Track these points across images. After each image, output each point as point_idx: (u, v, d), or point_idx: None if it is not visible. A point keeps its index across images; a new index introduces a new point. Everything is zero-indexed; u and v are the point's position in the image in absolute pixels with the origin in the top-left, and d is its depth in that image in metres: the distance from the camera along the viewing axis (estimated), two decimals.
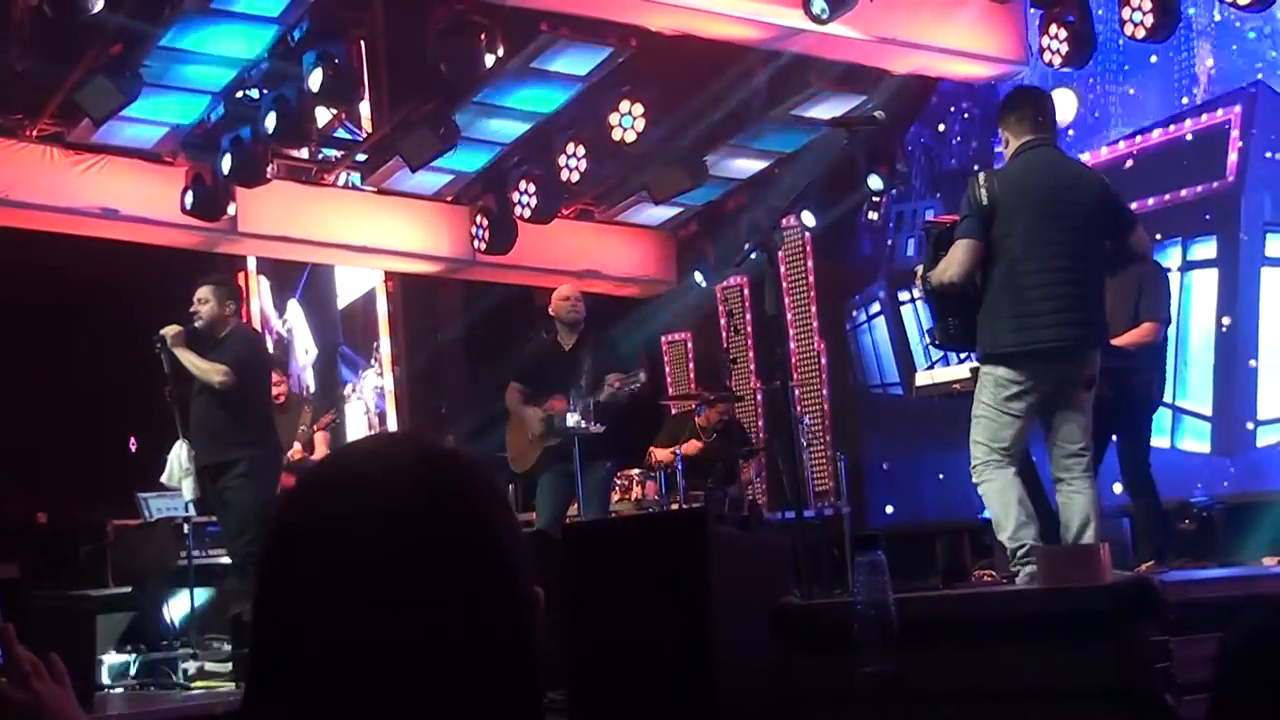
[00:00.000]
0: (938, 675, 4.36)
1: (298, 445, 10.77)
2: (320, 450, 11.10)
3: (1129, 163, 11.19)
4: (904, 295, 12.68)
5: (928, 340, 7.28)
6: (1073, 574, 4.85)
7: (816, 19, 9.69)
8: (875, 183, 11.96)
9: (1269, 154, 10.35)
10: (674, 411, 12.27)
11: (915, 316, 12.49)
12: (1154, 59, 11.05)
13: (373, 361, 14.92)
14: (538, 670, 1.41)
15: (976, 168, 12.12)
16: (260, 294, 15.61)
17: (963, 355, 7.59)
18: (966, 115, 12.57)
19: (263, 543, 1.43)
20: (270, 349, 14.58)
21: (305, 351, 15.22)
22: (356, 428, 14.41)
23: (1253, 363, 10.30)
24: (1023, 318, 6.28)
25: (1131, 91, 11.30)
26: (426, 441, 1.46)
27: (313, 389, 15.00)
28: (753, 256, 7.73)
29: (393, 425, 14.33)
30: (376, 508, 1.37)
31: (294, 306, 15.50)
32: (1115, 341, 8.05)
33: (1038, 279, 6.29)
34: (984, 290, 6.38)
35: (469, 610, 1.36)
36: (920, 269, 6.87)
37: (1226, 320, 10.48)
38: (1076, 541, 6.16)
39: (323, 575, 1.35)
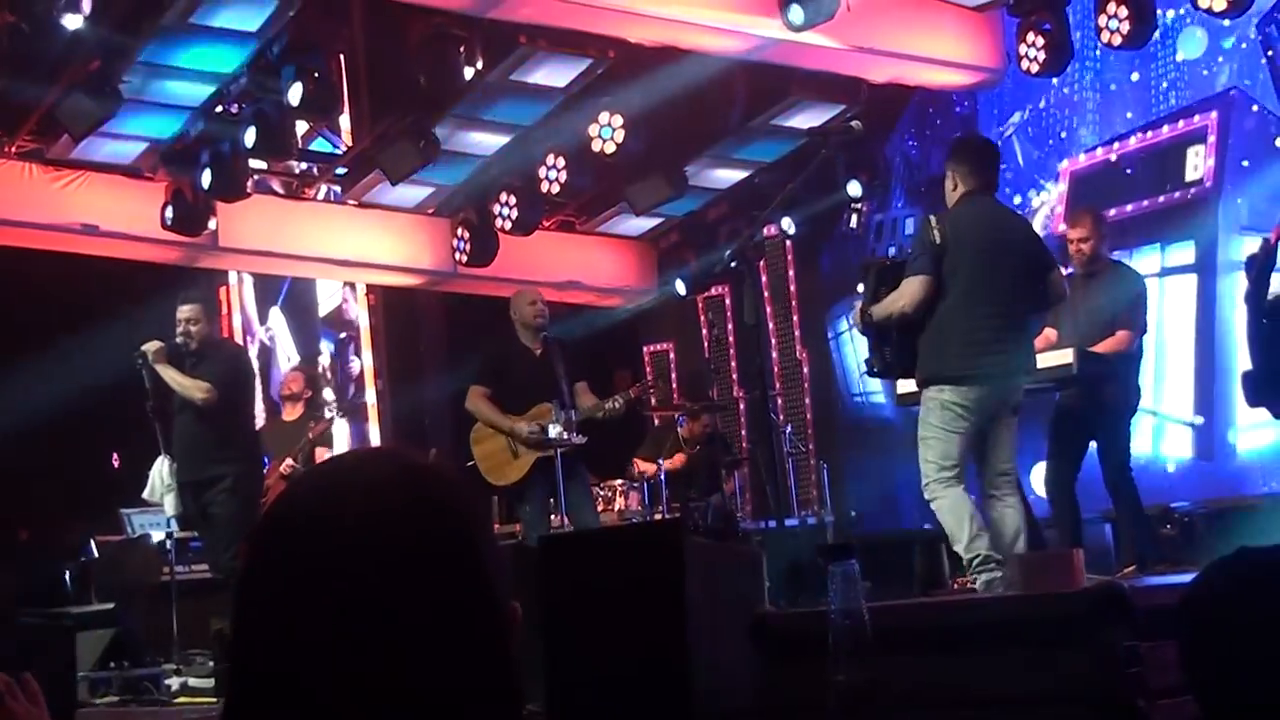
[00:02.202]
0: (913, 683, 4.37)
1: (290, 461, 10.69)
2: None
3: (1106, 168, 11.23)
4: None
5: (864, 370, 7.72)
6: (1046, 580, 4.87)
7: (793, 27, 9.69)
8: (855, 189, 11.99)
9: (1245, 160, 10.39)
10: (657, 423, 12.27)
11: None
12: (1134, 69, 11.08)
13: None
14: (517, 683, 1.42)
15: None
16: (244, 299, 15.59)
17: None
18: (941, 123, 12.61)
19: (243, 555, 1.44)
20: (254, 356, 14.60)
21: (287, 359, 15.21)
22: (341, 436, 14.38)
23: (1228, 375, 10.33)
24: (969, 346, 6.77)
25: (1109, 95, 11.33)
26: (408, 456, 1.47)
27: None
28: (733, 265, 7.84)
29: (375, 438, 14.31)
30: (356, 521, 1.38)
31: (276, 314, 15.49)
32: (1093, 350, 8.11)
33: (983, 312, 6.81)
34: (930, 321, 6.86)
35: (448, 623, 1.36)
36: (860, 305, 7.31)
37: (1207, 333, 10.52)
38: (1009, 553, 6.58)
39: (301, 588, 1.36)
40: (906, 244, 11.81)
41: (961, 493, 6.72)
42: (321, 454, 11.13)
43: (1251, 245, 10.21)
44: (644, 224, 13.73)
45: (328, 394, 14.70)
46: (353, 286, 14.73)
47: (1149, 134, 11.00)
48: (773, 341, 13.28)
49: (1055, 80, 11.20)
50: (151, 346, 8.85)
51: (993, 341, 6.79)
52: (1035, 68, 10.69)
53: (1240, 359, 10.04)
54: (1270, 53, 10.13)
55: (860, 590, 4.16)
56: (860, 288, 7.67)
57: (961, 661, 4.27)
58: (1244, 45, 10.40)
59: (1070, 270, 8.74)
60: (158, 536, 10.25)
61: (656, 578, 4.99)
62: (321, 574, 1.36)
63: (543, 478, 9.21)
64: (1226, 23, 10.12)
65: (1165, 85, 10.93)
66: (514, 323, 9.56)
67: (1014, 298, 6.91)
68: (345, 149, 13.06)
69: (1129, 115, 11.19)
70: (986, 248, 6.87)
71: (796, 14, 9.63)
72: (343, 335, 15.07)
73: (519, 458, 9.29)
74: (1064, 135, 11.63)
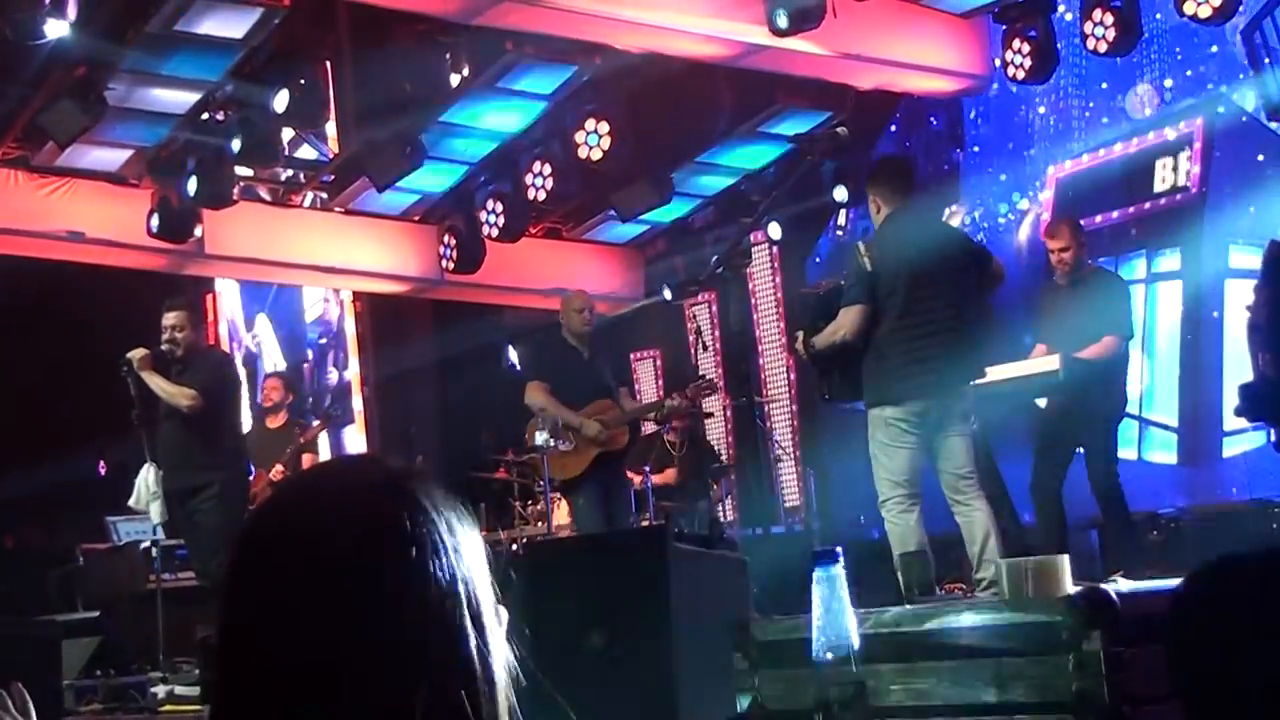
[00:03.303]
0: (898, 690, 4.37)
1: (279, 467, 10.67)
2: None
3: (1092, 175, 11.25)
4: None
5: (823, 396, 7.92)
6: (1031, 586, 4.87)
7: (777, 30, 9.69)
8: (841, 194, 12.00)
9: (1231, 167, 10.41)
10: (643, 432, 12.24)
11: None
12: (1119, 76, 11.10)
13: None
14: (496, 688, 1.42)
15: (946, 178, 12.21)
16: (230, 305, 15.58)
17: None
18: (934, 124, 12.62)
19: (227, 562, 1.44)
20: (239, 362, 14.59)
21: (274, 365, 15.20)
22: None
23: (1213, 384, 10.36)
24: (909, 366, 6.96)
25: (1094, 102, 11.35)
26: (389, 464, 1.48)
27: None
28: (719, 272, 7.89)
29: (361, 444, 14.30)
30: (338, 529, 1.38)
31: (263, 320, 15.47)
32: (1079, 355, 8.13)
33: (921, 330, 6.98)
34: (870, 347, 7.06)
35: (428, 630, 1.37)
36: (802, 335, 7.49)
37: (1192, 339, 10.54)
38: (981, 554, 6.82)
39: (283, 595, 1.36)
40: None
41: (914, 524, 6.94)
42: (309, 460, 11.12)
43: (1238, 254, 10.28)
44: (630, 231, 13.73)
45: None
46: (335, 290, 14.72)
47: (1135, 141, 11.02)
48: (759, 348, 13.27)
49: (1040, 87, 11.21)
50: (137, 354, 8.82)
51: (932, 359, 6.97)
52: (1021, 75, 10.71)
53: (1229, 366, 10.09)
54: (1254, 60, 10.15)
55: (846, 596, 4.16)
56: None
57: (946, 668, 4.26)
58: (1229, 52, 10.41)
59: (1052, 280, 8.80)
60: (144, 544, 10.23)
61: (641, 583, 4.99)
62: (303, 581, 1.36)
63: (598, 474, 9.35)
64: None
65: (1151, 93, 10.95)
66: (562, 325, 9.63)
67: (955, 308, 7.08)
68: (331, 156, 13.05)
69: (1115, 122, 11.20)
70: (918, 263, 7.02)
71: (781, 17, 9.63)
72: (322, 340, 15.06)
73: (579, 453, 9.36)
74: (1050, 142, 11.64)
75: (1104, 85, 11.28)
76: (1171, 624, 2.21)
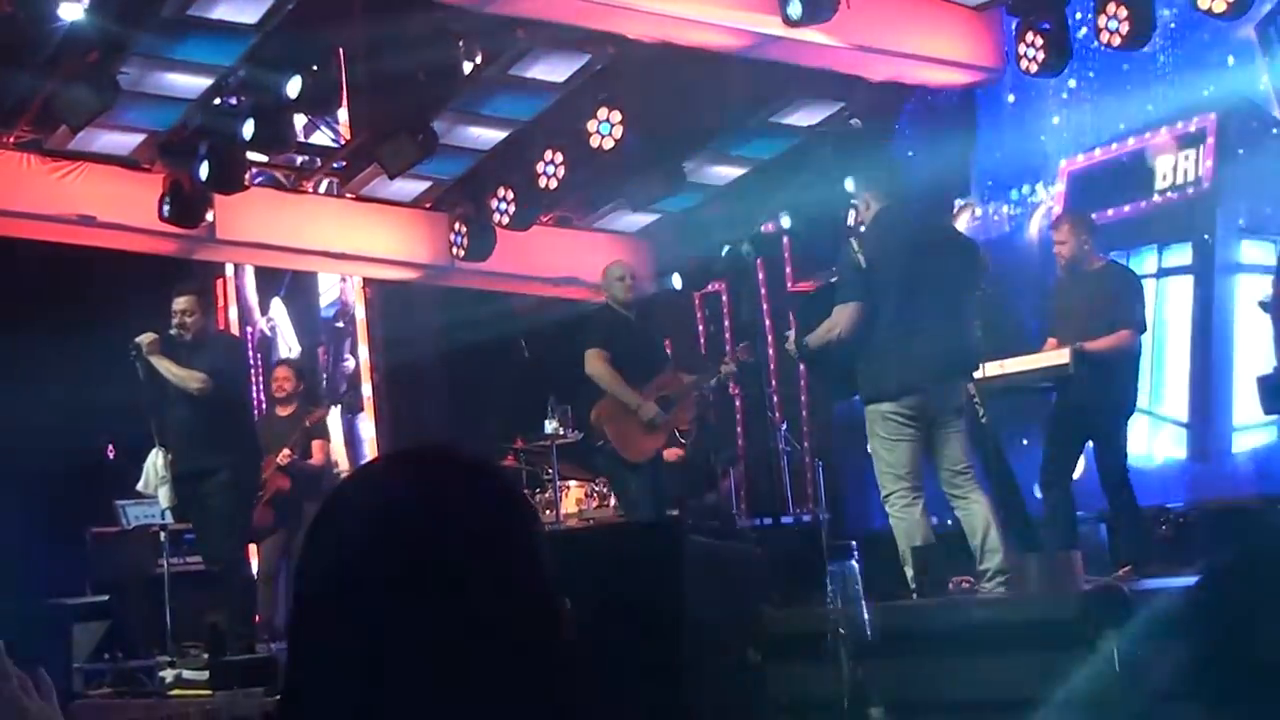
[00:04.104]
0: (911, 684, 4.38)
1: (286, 451, 10.67)
2: (317, 455, 11.03)
3: (1104, 168, 11.23)
4: None
5: (831, 396, 7.99)
6: (1045, 582, 4.88)
7: (790, 21, 9.68)
8: (852, 185, 11.96)
9: (1244, 162, 10.38)
10: None
11: None
12: (1133, 69, 11.07)
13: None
14: (569, 678, 1.44)
15: (958, 171, 12.19)
16: (244, 289, 15.57)
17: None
18: (945, 117, 12.58)
19: (299, 552, 1.47)
20: (252, 346, 14.59)
21: (288, 349, 15.19)
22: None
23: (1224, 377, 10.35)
24: (904, 361, 7.06)
25: (1107, 95, 11.32)
26: (463, 454, 1.50)
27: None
28: (731, 262, 7.98)
29: (370, 433, 14.29)
30: (413, 518, 1.41)
31: (277, 304, 15.47)
32: (1090, 347, 8.14)
33: (913, 326, 7.10)
34: (865, 343, 7.15)
35: (501, 621, 1.40)
36: (792, 335, 7.63)
37: (1204, 334, 10.52)
38: (984, 546, 6.84)
39: (357, 584, 1.38)
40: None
41: (919, 516, 6.99)
42: (318, 446, 11.12)
43: (1250, 248, 10.26)
44: (641, 220, 13.72)
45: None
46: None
47: (1147, 135, 10.99)
48: (769, 339, 13.26)
49: (1054, 80, 11.19)
50: (146, 338, 8.83)
51: (927, 353, 7.07)
52: (1034, 67, 10.70)
53: (1240, 361, 10.08)
54: (1269, 53, 10.12)
55: (860, 590, 4.17)
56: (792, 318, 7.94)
57: (961, 662, 4.27)
58: (1243, 47, 10.37)
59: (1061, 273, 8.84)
60: (152, 528, 10.24)
61: (656, 575, 4.99)
62: (378, 570, 1.38)
63: (657, 459, 9.05)
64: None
65: (1164, 86, 10.91)
66: (606, 298, 9.42)
67: (947, 303, 7.20)
68: (343, 142, 13.05)
69: (1128, 115, 11.17)
70: (910, 258, 7.14)
71: (795, 6, 9.61)
72: (339, 324, 15.05)
73: (653, 431, 9.06)
74: (1063, 135, 11.61)
75: (1116, 78, 11.24)
76: (1189, 618, 2.21)
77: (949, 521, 7.57)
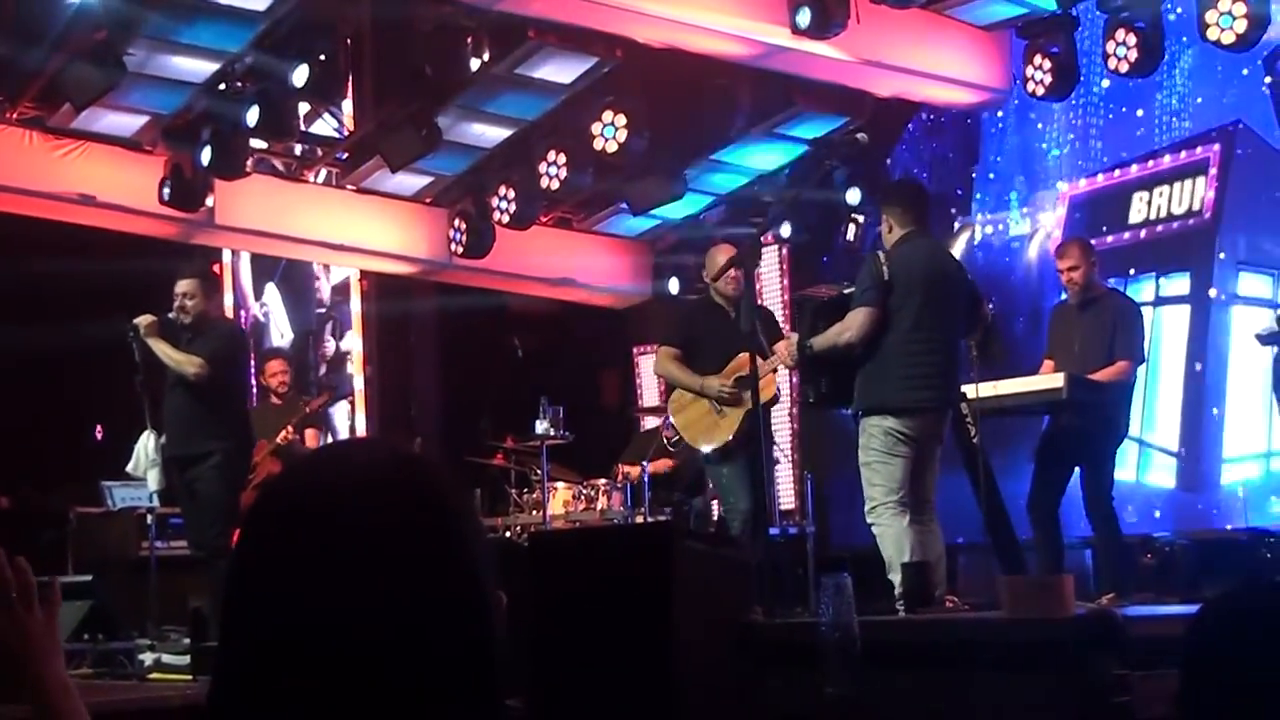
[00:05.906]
0: (899, 700, 4.37)
1: (288, 429, 10.60)
2: (310, 442, 11.00)
3: (1105, 195, 11.25)
4: None
5: (808, 400, 7.87)
6: (1035, 605, 4.87)
7: (798, 29, 9.67)
8: (854, 196, 11.99)
9: (1246, 193, 10.41)
10: (642, 428, 12.23)
11: None
12: (1139, 97, 11.09)
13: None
14: (498, 672, 1.43)
15: (960, 191, 12.21)
16: (239, 274, 15.55)
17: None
18: (948, 136, 12.60)
19: (236, 541, 1.45)
20: (245, 331, 14.56)
21: (281, 335, 15.18)
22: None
23: (1215, 411, 10.37)
24: (910, 379, 7.17)
25: (1111, 122, 11.34)
26: (396, 445, 1.49)
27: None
28: (730, 273, 7.98)
29: (361, 425, 14.27)
30: (344, 509, 1.40)
31: (271, 290, 15.44)
32: (1091, 378, 8.16)
33: (922, 348, 7.21)
34: (871, 354, 7.22)
35: (433, 610, 1.38)
36: (795, 338, 7.68)
37: (1198, 364, 10.54)
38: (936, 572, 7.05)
39: (291, 571, 1.38)
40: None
41: (907, 525, 7.07)
42: (312, 434, 11.11)
43: (1248, 280, 10.29)
44: (641, 224, 13.71)
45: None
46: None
47: (1150, 163, 11.01)
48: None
49: (1058, 104, 11.21)
50: (143, 320, 8.79)
51: (932, 375, 7.22)
52: (1041, 91, 10.70)
53: (1233, 393, 10.11)
54: (1274, 87, 10.13)
55: (851, 604, 4.17)
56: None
57: (949, 681, 4.27)
58: (1249, 78, 10.40)
59: (1064, 299, 8.83)
60: (139, 511, 10.22)
61: (646, 578, 4.98)
62: (309, 560, 1.37)
63: (749, 444, 8.24)
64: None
65: (1169, 115, 10.94)
66: (708, 284, 8.91)
67: (953, 330, 7.42)
68: (347, 133, 13.03)
69: (1131, 143, 11.19)
70: (930, 285, 7.28)
71: (804, 16, 9.61)
72: (320, 310, 15.04)
73: (725, 415, 8.54)
74: (1065, 160, 11.63)
75: (1121, 105, 11.26)
76: (1188, 649, 2.21)
77: None
